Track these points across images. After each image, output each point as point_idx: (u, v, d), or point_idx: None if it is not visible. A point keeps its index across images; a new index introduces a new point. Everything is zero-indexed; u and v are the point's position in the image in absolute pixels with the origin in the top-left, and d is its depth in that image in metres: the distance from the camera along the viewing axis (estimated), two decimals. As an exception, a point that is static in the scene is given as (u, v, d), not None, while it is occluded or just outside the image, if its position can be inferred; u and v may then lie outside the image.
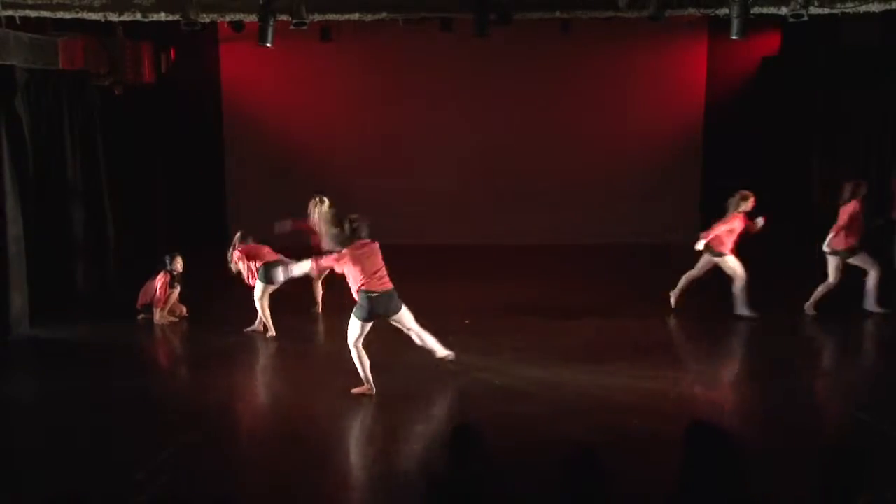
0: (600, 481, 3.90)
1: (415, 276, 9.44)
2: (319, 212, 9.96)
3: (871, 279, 9.67)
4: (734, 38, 8.39)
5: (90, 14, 8.50)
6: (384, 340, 9.12)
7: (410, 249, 10.76)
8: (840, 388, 7.61)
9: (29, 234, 9.70)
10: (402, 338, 8.53)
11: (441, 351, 7.83)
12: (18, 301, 9.41)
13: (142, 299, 10.05)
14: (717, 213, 10.07)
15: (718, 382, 7.85)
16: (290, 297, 10.85)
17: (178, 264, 10.07)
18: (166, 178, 13.98)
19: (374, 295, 7.23)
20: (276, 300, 9.52)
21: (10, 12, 8.40)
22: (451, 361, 7.91)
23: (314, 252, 9.50)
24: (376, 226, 15.06)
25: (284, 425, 7.11)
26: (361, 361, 7.47)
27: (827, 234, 9.70)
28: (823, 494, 3.76)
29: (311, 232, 10.08)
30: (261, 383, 8.17)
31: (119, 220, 12.05)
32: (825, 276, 9.75)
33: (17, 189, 9.43)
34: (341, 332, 9.17)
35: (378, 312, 7.33)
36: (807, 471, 3.87)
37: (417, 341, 7.73)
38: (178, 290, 10.02)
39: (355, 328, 7.38)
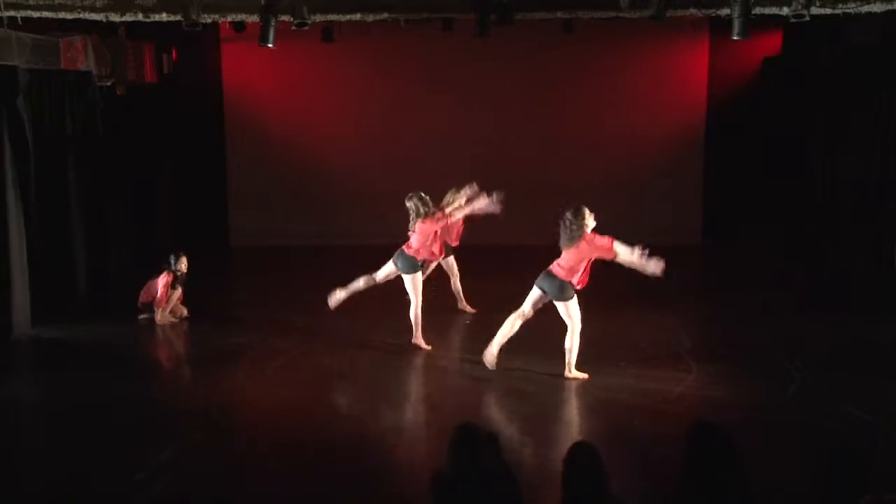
0: (601, 480, 3.90)
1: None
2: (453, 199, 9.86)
3: None
4: (736, 38, 8.37)
5: (92, 14, 8.50)
6: (382, 339, 9.14)
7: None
8: (842, 388, 7.59)
9: (31, 234, 9.70)
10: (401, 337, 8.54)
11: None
12: (20, 301, 9.41)
13: (143, 298, 10.02)
14: (719, 214, 10.03)
15: (719, 382, 7.84)
16: (292, 295, 10.87)
17: (183, 265, 9.99)
18: (168, 178, 13.99)
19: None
20: (288, 300, 9.49)
21: (11, 13, 8.40)
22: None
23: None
24: (376, 226, 15.10)
25: (285, 426, 7.11)
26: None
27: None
28: (823, 494, 3.76)
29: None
30: (261, 384, 8.16)
31: (121, 220, 12.06)
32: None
33: (18, 189, 9.44)
34: (339, 332, 9.21)
35: None
36: (807, 471, 3.85)
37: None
38: (179, 291, 10.00)
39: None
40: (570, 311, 7.68)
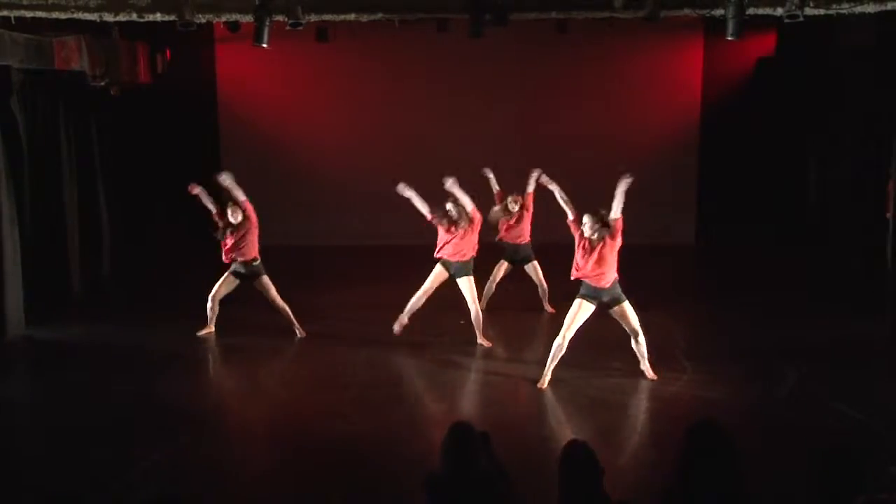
0: (596, 479, 3.90)
1: (413, 276, 9.45)
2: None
3: None
4: (730, 38, 8.39)
5: (86, 14, 8.47)
6: (376, 339, 9.14)
7: (408, 249, 10.75)
8: (837, 388, 7.61)
9: (24, 234, 9.69)
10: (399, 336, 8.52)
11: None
12: (14, 301, 9.39)
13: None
14: (713, 214, 10.03)
15: (717, 382, 7.85)
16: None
17: (226, 216, 9.59)
18: (162, 178, 13.94)
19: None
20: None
21: (5, 12, 8.38)
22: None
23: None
24: (372, 226, 15.06)
25: (283, 426, 7.11)
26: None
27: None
28: (821, 495, 3.76)
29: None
30: (259, 384, 8.15)
31: (115, 220, 12.03)
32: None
33: (12, 189, 9.42)
34: (337, 332, 9.20)
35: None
36: (805, 471, 3.86)
37: None
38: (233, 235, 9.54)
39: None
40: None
